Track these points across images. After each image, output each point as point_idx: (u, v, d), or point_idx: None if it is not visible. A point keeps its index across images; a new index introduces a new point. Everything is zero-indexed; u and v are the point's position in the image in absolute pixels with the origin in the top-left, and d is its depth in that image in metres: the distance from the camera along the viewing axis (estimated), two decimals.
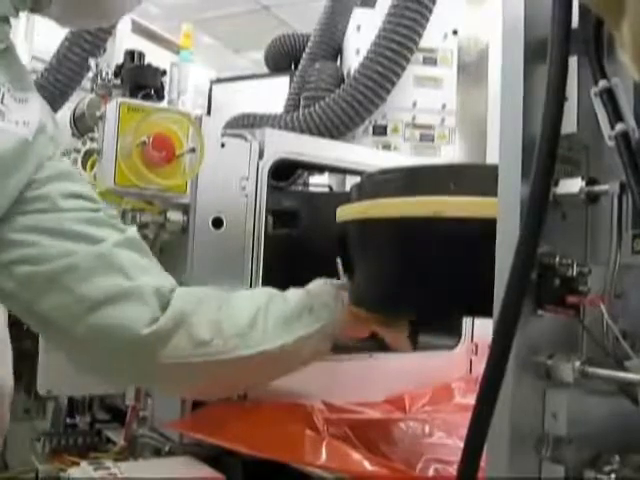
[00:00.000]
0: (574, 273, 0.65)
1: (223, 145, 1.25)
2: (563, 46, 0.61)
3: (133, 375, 1.07)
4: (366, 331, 1.22)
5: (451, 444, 1.16)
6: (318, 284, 1.19)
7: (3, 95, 0.88)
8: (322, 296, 1.15)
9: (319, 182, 1.95)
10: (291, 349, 1.08)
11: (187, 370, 1.01)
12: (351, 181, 1.63)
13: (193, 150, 1.15)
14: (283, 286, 1.17)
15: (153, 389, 1.26)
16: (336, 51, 2.33)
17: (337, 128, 1.93)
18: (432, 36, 2.07)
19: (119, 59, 1.77)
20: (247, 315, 1.06)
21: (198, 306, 1.03)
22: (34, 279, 0.93)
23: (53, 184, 0.96)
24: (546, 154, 0.60)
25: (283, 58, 2.69)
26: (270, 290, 1.14)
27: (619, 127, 0.60)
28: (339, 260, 1.20)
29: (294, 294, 1.14)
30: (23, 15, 1.01)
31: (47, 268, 0.93)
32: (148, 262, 1.03)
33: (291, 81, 2.47)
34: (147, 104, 1.22)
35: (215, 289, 1.12)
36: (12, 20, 0.97)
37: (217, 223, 1.23)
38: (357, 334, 1.23)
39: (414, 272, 1.00)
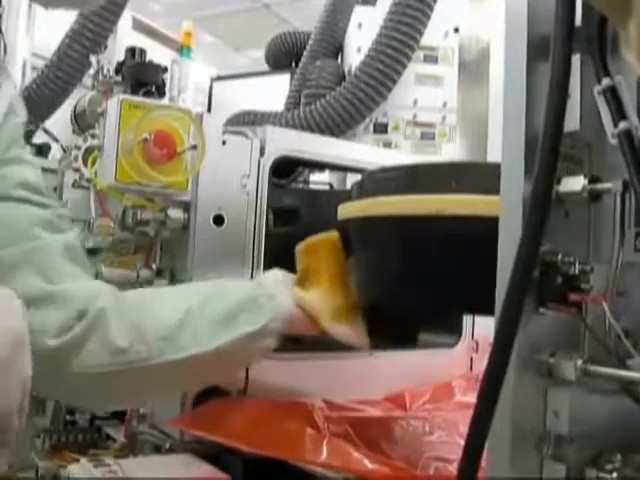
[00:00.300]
0: (576, 271, 0.65)
1: (224, 142, 1.25)
2: (566, 44, 0.61)
3: (42, 385, 0.89)
4: (316, 327, 1.15)
5: (452, 442, 1.16)
6: (271, 273, 1.16)
7: None
8: (271, 287, 1.11)
9: (320, 180, 1.95)
10: (229, 350, 1.03)
11: (104, 380, 0.95)
12: (352, 179, 1.63)
13: (194, 147, 1.15)
14: None
15: (72, 402, 1.21)
16: (337, 49, 2.33)
17: (338, 126, 1.93)
18: (433, 34, 2.08)
19: (120, 56, 1.77)
20: (176, 316, 1.00)
21: (120, 311, 0.96)
22: None
23: (13, 167, 0.93)
24: (548, 152, 0.60)
25: (284, 56, 2.70)
26: (208, 286, 1.10)
27: (622, 125, 0.60)
28: None
29: (239, 287, 1.10)
30: (23, 11, 1.00)
31: None
32: (77, 269, 0.98)
33: (292, 79, 2.47)
34: (148, 101, 1.22)
35: (149, 289, 1.10)
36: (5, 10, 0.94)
37: (218, 220, 1.23)
38: (306, 330, 1.17)
39: (415, 270, 1.00)
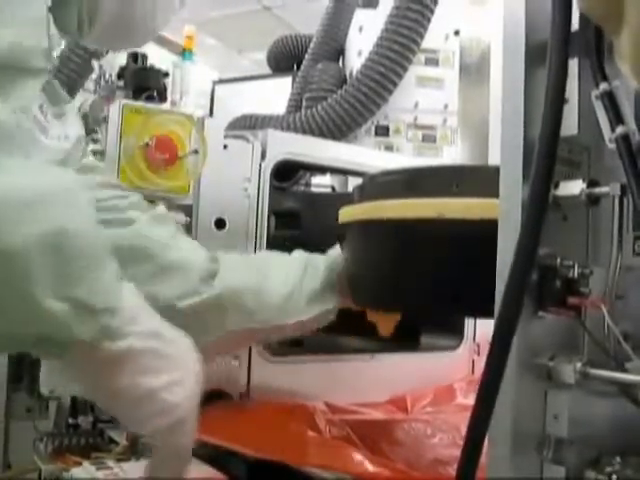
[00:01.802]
0: (575, 274, 0.65)
1: (225, 146, 1.25)
2: (562, 49, 0.61)
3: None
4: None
5: (453, 445, 1.16)
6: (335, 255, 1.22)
7: (46, 113, 0.88)
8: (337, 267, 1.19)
9: (322, 182, 1.96)
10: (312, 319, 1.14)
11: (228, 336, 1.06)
12: (353, 182, 1.63)
13: (196, 152, 1.16)
14: None
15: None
16: (338, 52, 2.33)
17: (339, 129, 1.93)
18: (434, 37, 2.07)
19: (122, 61, 1.78)
20: (284, 290, 1.11)
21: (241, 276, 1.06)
22: None
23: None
24: (545, 156, 0.60)
25: (285, 59, 2.70)
26: (304, 262, 1.18)
27: (620, 130, 0.60)
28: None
29: (320, 266, 1.18)
30: None
31: None
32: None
33: (293, 82, 2.47)
34: (150, 106, 1.22)
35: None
36: None
37: (220, 224, 1.23)
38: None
39: (416, 273, 1.00)
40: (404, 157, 1.91)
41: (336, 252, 1.21)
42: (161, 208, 1.05)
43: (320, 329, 1.19)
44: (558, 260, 0.65)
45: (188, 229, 1.23)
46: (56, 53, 0.90)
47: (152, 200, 1.22)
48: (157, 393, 0.74)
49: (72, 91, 2.14)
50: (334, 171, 1.72)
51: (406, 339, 1.52)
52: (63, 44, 2.03)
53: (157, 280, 0.95)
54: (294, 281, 1.13)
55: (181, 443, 0.77)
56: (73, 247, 0.70)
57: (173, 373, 0.76)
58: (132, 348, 0.73)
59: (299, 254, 1.20)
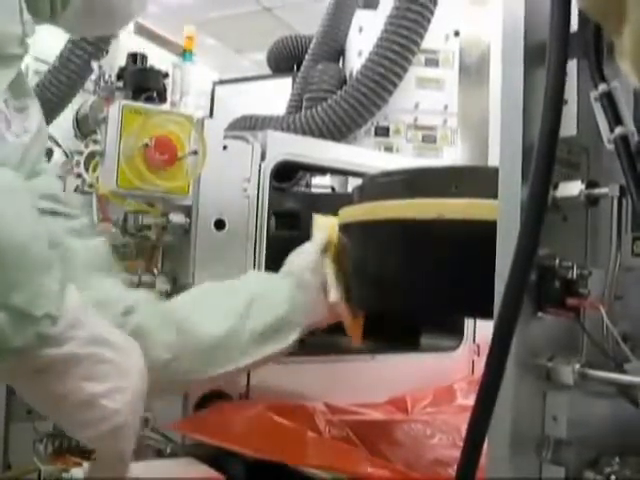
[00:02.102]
0: (574, 275, 0.65)
1: (225, 147, 1.25)
2: (561, 50, 0.61)
3: None
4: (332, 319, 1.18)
5: (453, 445, 1.16)
6: (302, 256, 1.16)
7: (7, 106, 0.87)
8: (301, 283, 1.13)
9: (322, 183, 1.96)
10: (257, 362, 1.09)
11: None
12: (353, 182, 1.63)
13: (195, 152, 1.16)
14: None
15: None
16: (338, 52, 2.33)
17: (339, 129, 1.93)
18: (434, 37, 2.07)
19: (122, 61, 1.78)
20: (217, 333, 1.03)
21: (159, 323, 0.99)
22: None
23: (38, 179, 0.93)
24: (544, 157, 0.60)
25: (285, 59, 2.70)
26: (249, 297, 1.09)
27: (618, 130, 0.60)
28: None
29: (278, 296, 1.12)
30: None
31: None
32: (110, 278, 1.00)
33: (293, 82, 2.47)
34: (149, 106, 1.22)
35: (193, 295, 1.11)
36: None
37: (219, 225, 1.23)
38: (323, 323, 1.18)
39: (416, 274, 1.00)
40: (404, 158, 1.91)
41: (298, 267, 1.16)
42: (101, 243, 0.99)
43: (320, 329, 1.19)
44: (557, 261, 0.65)
45: (187, 230, 1.23)
46: (30, 40, 0.88)
47: (152, 204, 1.22)
48: (98, 399, 0.74)
49: (72, 92, 2.15)
50: (334, 172, 1.72)
51: (406, 340, 1.52)
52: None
53: None
54: (230, 324, 1.05)
55: (121, 448, 0.78)
56: (11, 254, 0.69)
57: (115, 380, 0.76)
58: (73, 354, 0.73)
59: (247, 285, 1.13)
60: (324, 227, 1.20)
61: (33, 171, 0.92)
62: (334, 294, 1.13)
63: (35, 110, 0.94)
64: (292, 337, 1.11)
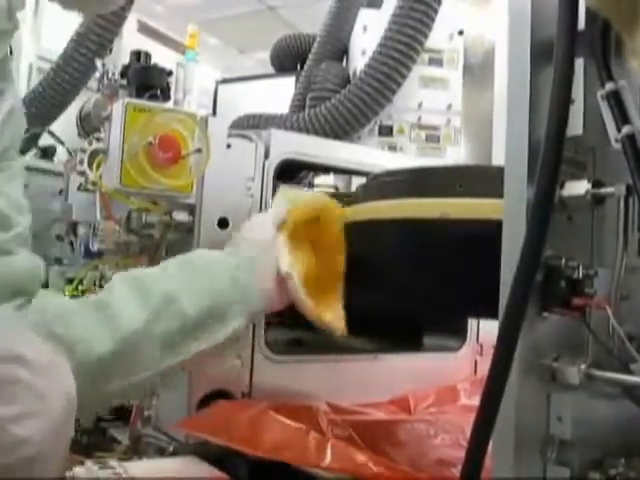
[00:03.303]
0: (580, 275, 0.65)
1: (229, 146, 1.25)
2: (568, 48, 0.61)
3: None
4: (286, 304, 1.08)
5: (456, 445, 1.16)
6: (256, 227, 1.08)
7: None
8: (251, 260, 1.03)
9: (325, 182, 1.95)
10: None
11: None
12: (357, 181, 1.63)
13: (199, 151, 1.15)
14: None
15: None
16: (342, 52, 2.33)
17: (343, 129, 1.93)
18: (438, 37, 2.07)
19: (125, 59, 1.78)
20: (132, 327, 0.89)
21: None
22: None
23: None
24: (551, 156, 0.60)
25: (289, 58, 2.70)
26: (160, 295, 0.94)
27: (625, 129, 0.60)
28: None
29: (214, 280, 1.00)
30: (30, 15, 1.00)
31: None
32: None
33: (297, 81, 2.47)
34: (153, 104, 1.22)
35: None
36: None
37: (223, 223, 1.23)
38: (276, 307, 1.08)
39: (420, 273, 1.00)
40: (407, 157, 1.90)
41: (246, 244, 1.06)
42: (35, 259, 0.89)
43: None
44: (563, 261, 0.65)
45: (191, 229, 1.22)
46: (19, 14, 0.85)
47: (155, 202, 1.22)
48: (4, 425, 0.65)
49: (75, 90, 2.15)
50: (337, 171, 1.71)
51: (409, 339, 1.52)
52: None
53: None
54: (134, 327, 0.89)
55: None
56: None
57: (28, 403, 0.67)
58: None
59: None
60: (286, 201, 1.12)
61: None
62: (285, 265, 1.03)
63: (10, 94, 0.89)
64: (234, 325, 0.99)
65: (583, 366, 0.64)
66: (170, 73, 1.62)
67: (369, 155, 1.49)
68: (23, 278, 0.85)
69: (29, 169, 1.15)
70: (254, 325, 1.21)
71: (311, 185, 1.83)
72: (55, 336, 0.82)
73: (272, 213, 1.11)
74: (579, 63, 0.64)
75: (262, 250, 1.06)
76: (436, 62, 2.13)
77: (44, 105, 2.16)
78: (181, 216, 1.21)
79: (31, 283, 0.87)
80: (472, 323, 1.57)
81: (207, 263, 1.03)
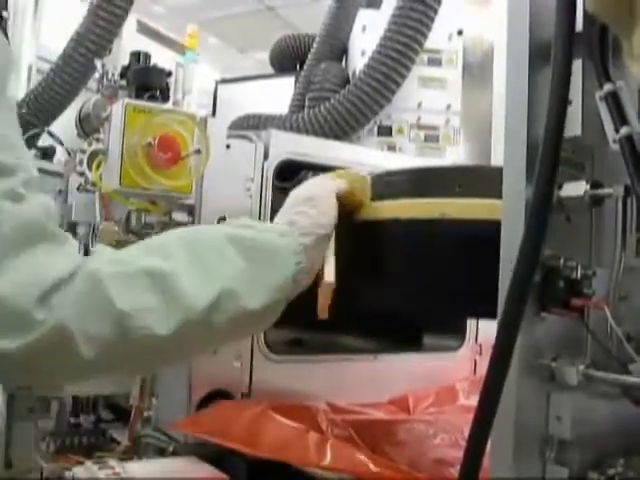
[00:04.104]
0: (578, 276, 0.65)
1: (228, 146, 1.25)
2: (566, 49, 0.61)
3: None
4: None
5: (455, 445, 1.16)
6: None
7: None
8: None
9: None
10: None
11: None
12: None
13: (198, 151, 1.16)
14: None
15: None
16: (341, 52, 2.33)
17: (342, 129, 1.93)
18: (437, 37, 2.07)
19: (125, 60, 1.78)
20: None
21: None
22: None
23: None
24: (550, 157, 0.60)
25: (288, 59, 2.70)
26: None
27: (624, 130, 0.60)
28: None
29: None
30: (30, 15, 0.99)
31: None
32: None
33: (296, 82, 2.47)
34: (153, 105, 1.22)
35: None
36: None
37: None
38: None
39: (419, 273, 1.00)
40: (407, 157, 1.90)
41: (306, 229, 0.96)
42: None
43: (320, 330, 1.18)
44: (561, 261, 0.65)
45: None
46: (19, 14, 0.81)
47: (155, 202, 1.22)
48: None
49: (75, 90, 2.15)
50: None
51: (408, 339, 1.52)
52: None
53: None
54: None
55: None
56: None
57: None
58: None
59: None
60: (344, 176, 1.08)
61: None
62: (329, 276, 1.00)
63: None
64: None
65: (582, 366, 0.64)
66: (169, 74, 1.62)
67: (368, 155, 1.49)
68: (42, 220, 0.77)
69: None
70: None
71: None
72: None
73: (334, 184, 1.05)
74: (577, 64, 0.65)
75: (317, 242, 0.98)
76: (435, 62, 2.13)
77: (43, 105, 2.16)
78: (180, 217, 1.22)
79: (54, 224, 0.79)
80: (471, 323, 1.57)
81: (271, 252, 0.93)
